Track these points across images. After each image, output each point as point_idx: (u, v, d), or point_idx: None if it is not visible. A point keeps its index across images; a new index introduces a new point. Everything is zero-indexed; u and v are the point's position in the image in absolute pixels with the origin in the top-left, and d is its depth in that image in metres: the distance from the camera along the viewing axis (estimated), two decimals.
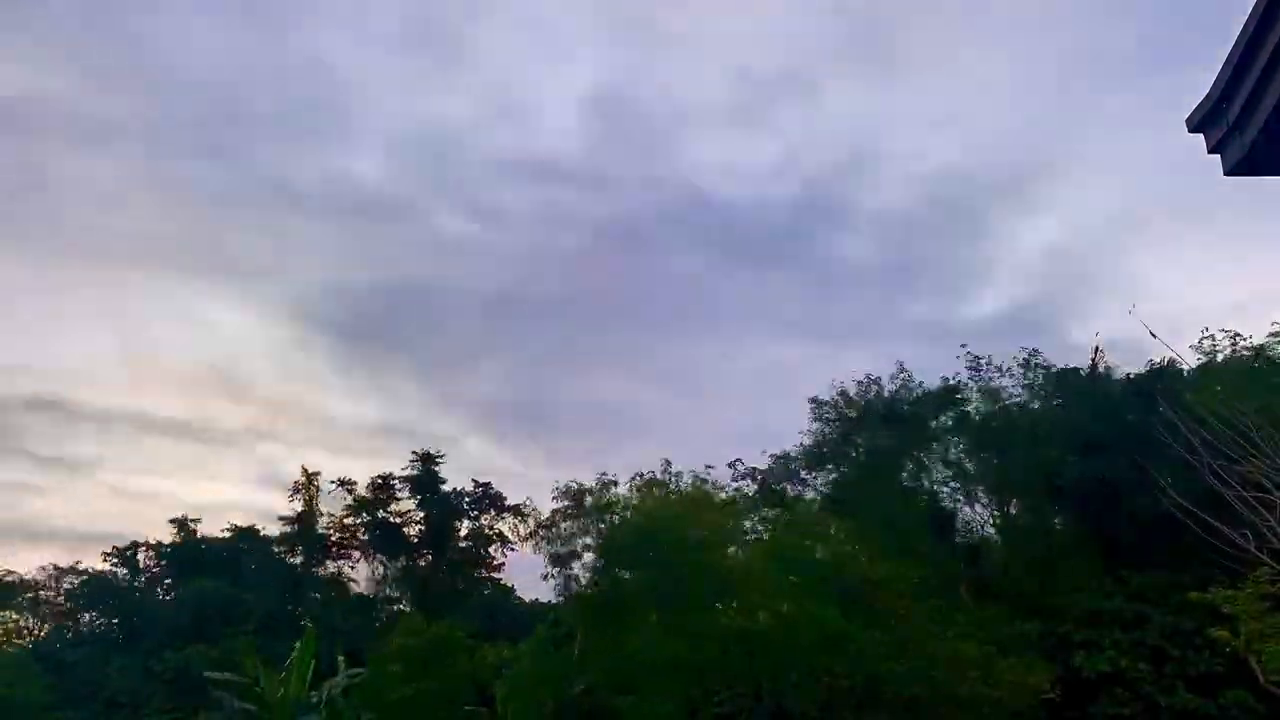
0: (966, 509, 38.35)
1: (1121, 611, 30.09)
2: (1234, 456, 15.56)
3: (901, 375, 39.11)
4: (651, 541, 27.46)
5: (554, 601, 35.42)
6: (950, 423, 37.99)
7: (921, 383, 38.78)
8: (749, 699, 29.32)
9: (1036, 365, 37.55)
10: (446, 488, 56.44)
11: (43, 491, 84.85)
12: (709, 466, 34.72)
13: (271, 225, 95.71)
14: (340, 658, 32.97)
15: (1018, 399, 37.79)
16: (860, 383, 39.65)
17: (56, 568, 56.42)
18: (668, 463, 33.52)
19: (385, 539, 55.62)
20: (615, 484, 31.82)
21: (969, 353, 37.87)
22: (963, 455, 37.82)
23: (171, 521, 55.84)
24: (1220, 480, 15.61)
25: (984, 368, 37.75)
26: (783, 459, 41.00)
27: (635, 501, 31.11)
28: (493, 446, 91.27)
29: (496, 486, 56.79)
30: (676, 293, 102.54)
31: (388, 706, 29.89)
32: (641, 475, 32.36)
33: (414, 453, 56.54)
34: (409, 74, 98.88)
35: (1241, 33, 6.11)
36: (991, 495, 37.42)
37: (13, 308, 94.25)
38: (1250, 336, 32.03)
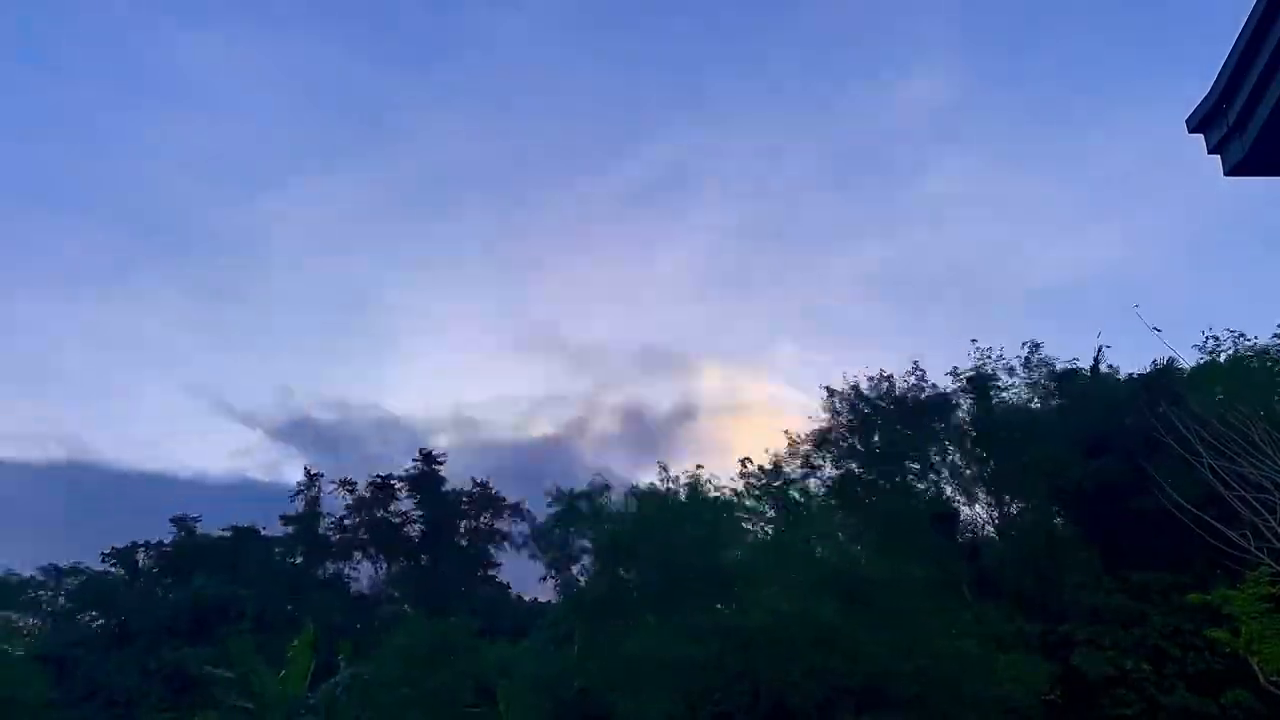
0: (967, 507, 38.40)
1: (1122, 611, 30.01)
2: (1235, 457, 15.51)
3: (915, 373, 39.21)
4: (649, 540, 27.44)
5: (553, 601, 35.45)
6: (955, 421, 38.03)
7: (933, 383, 38.91)
8: (748, 697, 29.28)
9: (1039, 363, 37.58)
10: (446, 488, 56.48)
11: None
12: (699, 466, 34.89)
13: None
14: (340, 657, 32.96)
15: (1020, 398, 37.82)
16: (873, 378, 39.80)
17: (56, 568, 56.41)
18: (664, 468, 33.76)
19: (385, 538, 55.66)
20: (609, 487, 31.89)
21: (978, 348, 37.94)
22: (965, 453, 37.83)
23: (172, 520, 55.83)
24: (1221, 481, 15.57)
25: (991, 362, 37.79)
26: (787, 455, 41.05)
27: (631, 508, 31.16)
28: None
29: None
30: None
31: (387, 706, 29.85)
32: (637, 487, 32.49)
33: (419, 451, 56.66)
34: None
35: (1241, 33, 6.07)
36: (992, 494, 37.41)
37: None
38: (1255, 337, 32.02)
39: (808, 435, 40.44)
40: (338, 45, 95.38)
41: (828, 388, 40.37)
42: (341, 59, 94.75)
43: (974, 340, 38.68)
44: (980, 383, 37.77)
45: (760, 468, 40.88)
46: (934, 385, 38.86)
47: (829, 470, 40.10)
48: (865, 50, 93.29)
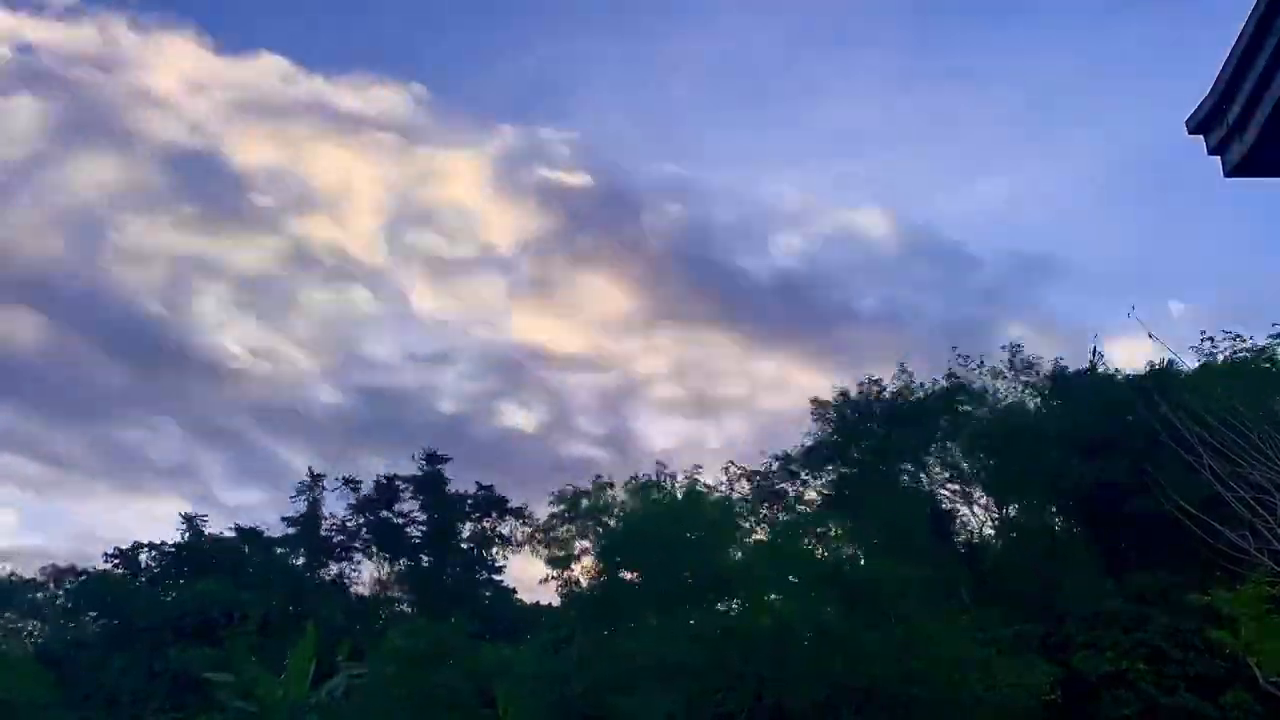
0: (966, 510, 38.44)
1: (1122, 612, 30.04)
2: (1234, 458, 15.56)
3: (903, 376, 39.26)
4: (649, 541, 27.49)
5: (554, 604, 35.49)
6: (950, 423, 38.05)
7: (923, 384, 38.93)
8: (749, 698, 29.29)
9: (1031, 365, 37.68)
10: (449, 489, 56.50)
11: None
12: (698, 467, 34.98)
13: None
14: (341, 658, 32.97)
15: (1015, 399, 37.86)
16: (862, 384, 39.83)
17: (57, 568, 56.45)
18: (662, 465, 33.84)
19: (388, 540, 55.64)
20: (611, 485, 31.92)
21: (959, 354, 38.17)
22: (962, 456, 37.86)
23: (181, 516, 55.71)
24: (1220, 482, 15.62)
25: (976, 368, 37.97)
26: (783, 459, 41.08)
27: (631, 504, 31.22)
28: None
29: None
30: None
31: (388, 707, 29.88)
32: (636, 478, 32.56)
33: (421, 451, 56.69)
34: None
35: (1241, 33, 6.11)
36: (991, 496, 37.44)
37: None
38: (1250, 337, 32.09)
39: (800, 450, 40.48)
40: None
41: (815, 400, 40.44)
42: None
43: (954, 347, 38.78)
44: (970, 386, 37.89)
45: (757, 472, 41.01)
46: (923, 386, 39.01)
47: (824, 478, 40.18)
48: None
